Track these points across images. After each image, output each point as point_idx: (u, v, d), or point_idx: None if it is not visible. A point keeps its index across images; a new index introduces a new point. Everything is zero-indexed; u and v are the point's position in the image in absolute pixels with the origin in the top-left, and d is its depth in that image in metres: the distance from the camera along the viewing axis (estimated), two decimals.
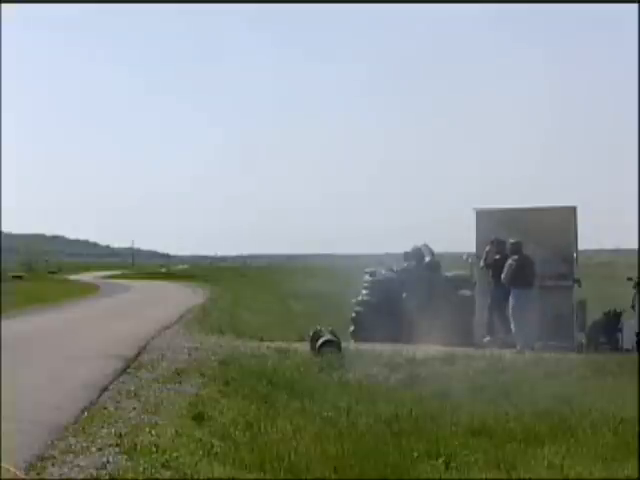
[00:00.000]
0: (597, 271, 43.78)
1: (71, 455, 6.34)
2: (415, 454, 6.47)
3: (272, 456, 6.26)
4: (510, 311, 13.86)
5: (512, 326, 13.90)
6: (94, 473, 5.85)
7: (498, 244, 14.49)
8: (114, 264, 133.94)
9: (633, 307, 13.95)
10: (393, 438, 7.01)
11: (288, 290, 34.78)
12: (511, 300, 13.80)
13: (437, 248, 16.25)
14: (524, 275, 13.84)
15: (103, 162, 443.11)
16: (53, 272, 79.49)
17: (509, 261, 14.08)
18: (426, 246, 16.03)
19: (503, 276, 13.99)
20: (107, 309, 26.28)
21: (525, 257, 14.01)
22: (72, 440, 6.81)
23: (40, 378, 10.14)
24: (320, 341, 12.59)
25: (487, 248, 14.60)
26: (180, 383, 9.97)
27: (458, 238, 19.50)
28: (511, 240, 14.17)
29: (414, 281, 15.26)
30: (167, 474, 5.83)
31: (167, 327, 18.03)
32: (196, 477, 5.76)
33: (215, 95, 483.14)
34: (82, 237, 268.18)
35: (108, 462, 6.12)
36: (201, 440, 6.81)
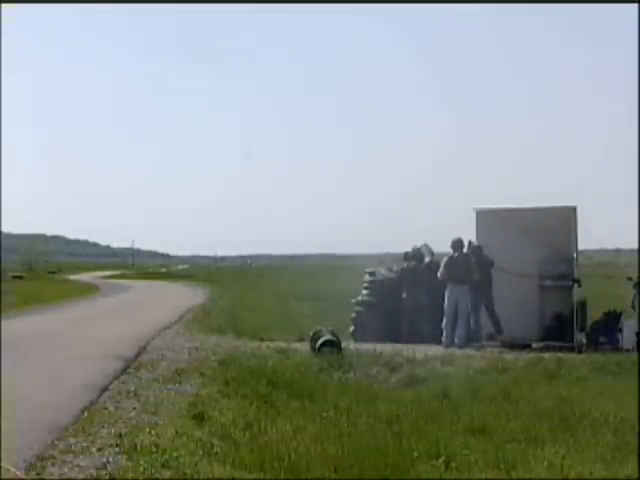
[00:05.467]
0: (597, 271, 43.86)
1: (71, 455, 6.34)
2: (415, 454, 6.46)
3: (272, 456, 6.25)
4: (444, 307, 14.25)
5: (442, 324, 14.19)
6: (94, 473, 5.86)
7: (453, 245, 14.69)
8: (114, 264, 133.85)
9: (633, 307, 13.95)
10: (393, 438, 7.00)
11: (288, 290, 34.77)
12: (446, 295, 14.27)
13: (437, 248, 16.29)
14: (455, 271, 14.24)
15: (103, 162, 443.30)
16: (53, 272, 79.39)
17: (444, 258, 14.56)
18: (426, 246, 16.05)
19: (438, 273, 14.48)
20: (107, 309, 26.27)
21: (462, 254, 14.45)
22: (72, 440, 6.81)
23: (40, 378, 10.15)
24: (320, 341, 12.59)
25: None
26: (180, 383, 9.97)
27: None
28: (453, 238, 14.66)
29: (414, 281, 15.28)
30: (167, 474, 5.83)
31: (167, 327, 18.03)
32: (196, 477, 5.76)
33: (215, 95, 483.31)
34: (82, 237, 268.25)
35: (108, 462, 6.13)
36: (201, 440, 6.81)
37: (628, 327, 13.79)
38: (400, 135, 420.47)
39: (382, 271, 16.36)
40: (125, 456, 6.28)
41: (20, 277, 56.27)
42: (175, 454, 6.26)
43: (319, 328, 13.37)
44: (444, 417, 7.95)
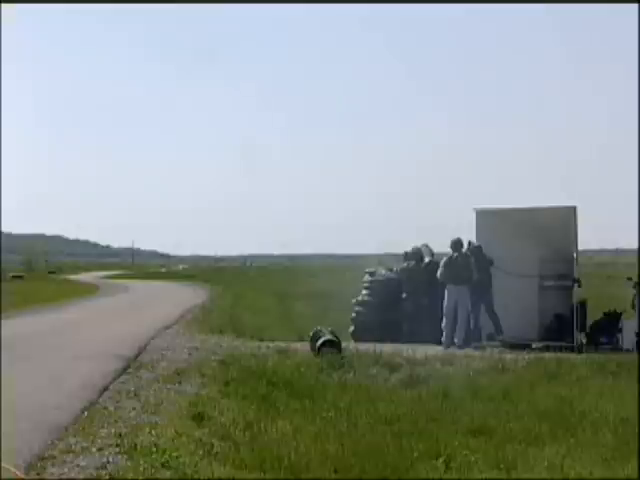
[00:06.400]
0: (597, 271, 43.85)
1: (71, 455, 6.35)
2: (415, 454, 6.45)
3: (272, 456, 6.25)
4: (444, 307, 14.27)
5: (442, 324, 14.20)
6: (94, 473, 5.87)
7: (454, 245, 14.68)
8: (114, 264, 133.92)
9: (633, 307, 13.94)
10: (393, 438, 6.99)
11: (288, 290, 34.76)
12: (445, 295, 14.28)
13: (437, 248, 16.29)
14: (454, 272, 14.24)
15: (103, 162, 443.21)
16: (53, 272, 79.44)
17: (444, 259, 14.54)
18: (426, 246, 16.04)
19: (438, 273, 14.47)
20: (107, 309, 26.28)
21: (462, 254, 14.42)
22: (72, 440, 6.82)
23: (40, 378, 10.15)
24: (320, 341, 12.58)
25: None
26: (180, 383, 9.98)
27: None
28: (452, 239, 14.63)
29: (414, 281, 15.27)
30: (167, 474, 5.83)
31: (167, 327, 18.04)
32: (196, 477, 5.77)
33: (215, 95, 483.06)
34: (82, 237, 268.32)
35: (108, 462, 6.14)
36: (201, 440, 6.82)
37: (628, 327, 13.78)
38: (400, 135, 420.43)
39: (382, 271, 16.36)
40: (125, 456, 6.29)
41: (20, 277, 56.28)
42: (175, 454, 6.26)
43: (319, 328, 13.35)
44: (444, 417, 7.94)
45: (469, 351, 13.32)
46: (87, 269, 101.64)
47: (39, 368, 11.08)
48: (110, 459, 6.22)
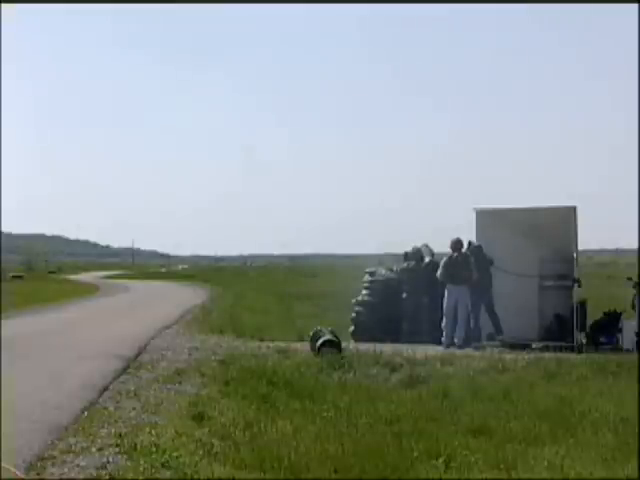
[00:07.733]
0: (597, 271, 43.88)
1: (71, 455, 6.36)
2: (415, 454, 6.45)
3: (272, 456, 6.25)
4: (444, 307, 14.29)
5: (442, 324, 14.22)
6: (94, 473, 5.87)
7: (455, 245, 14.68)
8: (114, 264, 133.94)
9: (633, 307, 13.93)
10: (393, 438, 6.99)
11: (288, 290, 34.76)
12: (445, 295, 14.30)
13: (437, 248, 16.30)
14: (454, 272, 14.26)
15: (104, 162, 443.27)
16: (53, 272, 79.46)
17: (444, 259, 14.56)
18: (426, 246, 16.04)
19: (438, 273, 14.49)
20: (107, 309, 26.29)
21: (462, 254, 14.45)
22: (72, 440, 6.83)
23: (40, 378, 10.15)
24: (320, 341, 12.58)
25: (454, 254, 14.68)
26: (180, 383, 9.98)
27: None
28: (452, 239, 14.65)
29: (414, 281, 15.27)
30: (167, 474, 5.84)
31: (167, 327, 18.04)
32: (196, 477, 5.77)
33: (215, 95, 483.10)
34: (82, 237, 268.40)
35: (108, 462, 6.14)
36: (201, 440, 6.82)
37: (628, 327, 13.78)
38: (401, 135, 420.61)
39: (382, 271, 16.35)
40: (125, 456, 6.29)
41: (20, 277, 56.25)
42: (175, 454, 6.26)
43: (319, 328, 13.35)
44: (444, 417, 7.93)
45: (469, 351, 13.32)
46: (87, 269, 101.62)
47: (39, 368, 11.09)
48: (110, 459, 6.22)
